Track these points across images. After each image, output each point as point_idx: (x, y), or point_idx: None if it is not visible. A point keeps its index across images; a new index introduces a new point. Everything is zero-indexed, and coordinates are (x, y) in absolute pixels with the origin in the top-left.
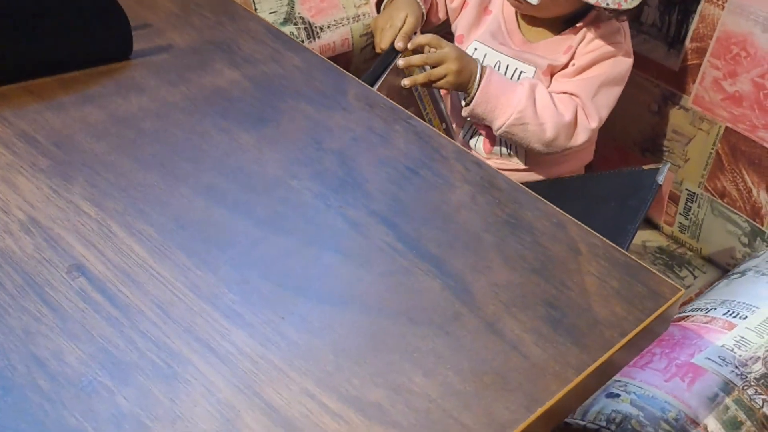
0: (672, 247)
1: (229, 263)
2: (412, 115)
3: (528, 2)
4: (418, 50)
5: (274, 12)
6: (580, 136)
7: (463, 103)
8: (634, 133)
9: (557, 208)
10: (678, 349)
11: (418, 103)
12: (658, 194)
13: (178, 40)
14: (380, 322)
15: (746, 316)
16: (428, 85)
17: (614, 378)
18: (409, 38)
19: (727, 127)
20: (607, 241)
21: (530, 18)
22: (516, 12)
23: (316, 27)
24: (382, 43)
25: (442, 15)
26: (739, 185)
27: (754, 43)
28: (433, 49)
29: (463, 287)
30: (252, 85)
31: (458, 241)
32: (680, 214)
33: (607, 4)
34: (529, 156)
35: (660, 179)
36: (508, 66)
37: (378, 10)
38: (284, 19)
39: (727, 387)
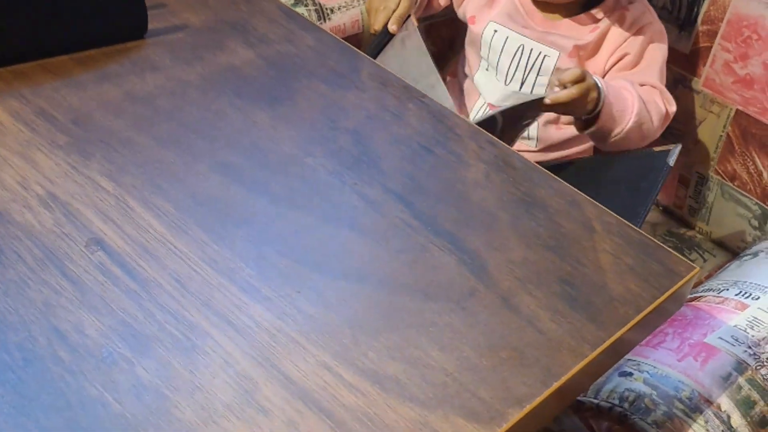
0: (682, 230)
1: (246, 239)
2: (425, 93)
3: None
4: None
5: None
6: (665, 123)
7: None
8: None
9: (572, 187)
10: (690, 329)
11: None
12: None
13: (192, 19)
14: (396, 298)
15: (758, 297)
16: (564, 107)
17: (627, 357)
18: (402, 21)
19: (737, 110)
20: (621, 219)
21: (544, 4)
22: None
23: (326, 9)
24: (375, 25)
25: (443, 1)
26: (750, 168)
27: (765, 25)
28: (567, 82)
29: (478, 264)
30: (266, 65)
31: (473, 218)
32: (690, 197)
33: None
34: (541, 137)
35: (671, 161)
36: (532, 50)
37: None
38: (295, 0)
39: (740, 367)
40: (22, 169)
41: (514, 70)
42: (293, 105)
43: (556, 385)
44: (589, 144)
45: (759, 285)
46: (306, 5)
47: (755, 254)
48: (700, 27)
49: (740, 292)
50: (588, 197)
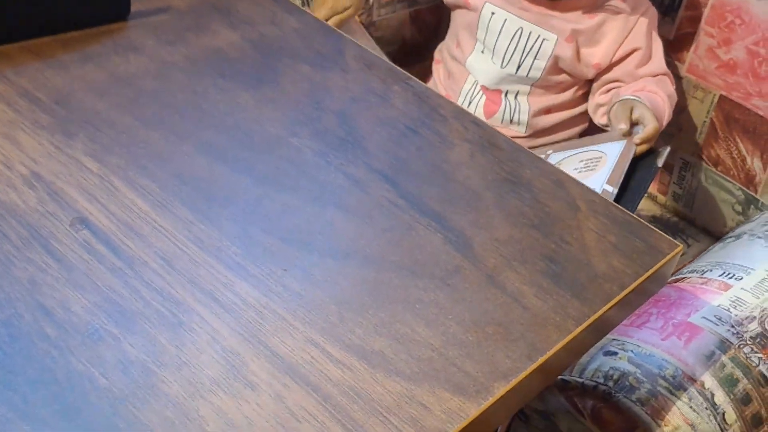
0: (666, 215)
1: (231, 218)
2: (410, 75)
3: None
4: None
5: None
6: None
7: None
8: None
9: (557, 167)
10: (674, 309)
11: None
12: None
13: (176, 1)
14: (382, 275)
15: (741, 277)
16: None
17: (612, 337)
18: (343, 24)
19: (721, 95)
20: (605, 198)
21: None
22: None
23: None
24: (316, 15)
25: None
26: (733, 153)
27: (748, 10)
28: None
29: (464, 242)
30: (250, 47)
31: (459, 197)
32: (674, 183)
33: None
34: (531, 123)
35: (660, 162)
36: (531, 32)
37: None
38: None
39: (724, 345)
40: (5, 149)
41: (511, 52)
42: (278, 86)
43: (541, 360)
44: (577, 129)
45: (742, 266)
46: None
47: (738, 236)
48: (684, 12)
49: (723, 272)
50: (572, 177)
